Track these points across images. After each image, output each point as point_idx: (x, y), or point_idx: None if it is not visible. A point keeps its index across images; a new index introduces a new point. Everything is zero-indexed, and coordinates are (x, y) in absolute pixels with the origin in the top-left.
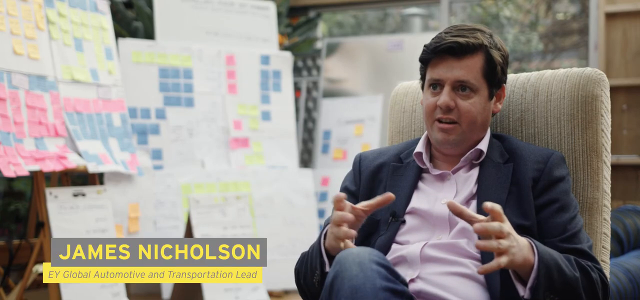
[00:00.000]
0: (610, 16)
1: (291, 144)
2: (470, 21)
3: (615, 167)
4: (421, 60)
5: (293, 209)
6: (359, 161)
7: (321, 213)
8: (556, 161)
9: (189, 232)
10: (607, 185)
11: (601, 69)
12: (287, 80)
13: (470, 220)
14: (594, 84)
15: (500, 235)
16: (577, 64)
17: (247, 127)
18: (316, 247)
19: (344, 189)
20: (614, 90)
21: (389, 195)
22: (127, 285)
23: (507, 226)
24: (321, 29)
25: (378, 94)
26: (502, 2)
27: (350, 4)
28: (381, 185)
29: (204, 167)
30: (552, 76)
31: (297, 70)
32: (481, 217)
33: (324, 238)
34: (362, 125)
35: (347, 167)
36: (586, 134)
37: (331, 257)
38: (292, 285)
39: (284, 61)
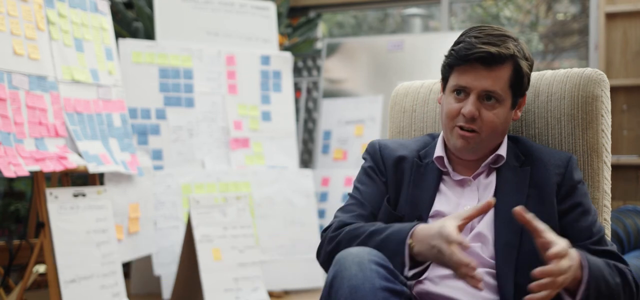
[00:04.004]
0: (611, 16)
1: (291, 144)
2: (470, 21)
3: (615, 168)
4: (448, 64)
5: (293, 209)
6: (380, 149)
7: (321, 213)
8: (574, 164)
9: (189, 233)
10: (607, 185)
11: (601, 69)
12: (288, 81)
13: (535, 232)
14: (594, 84)
15: (562, 274)
16: (577, 64)
17: (247, 128)
18: (394, 241)
19: (370, 167)
20: (614, 90)
21: (491, 201)
22: (127, 285)
23: (568, 260)
24: (321, 29)
25: (378, 95)
26: (502, 2)
27: (350, 4)
28: (405, 180)
29: (204, 168)
30: (552, 76)
31: (297, 71)
32: (550, 236)
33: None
34: (362, 125)
35: (347, 168)
36: (587, 134)
37: (415, 262)
38: (292, 285)
39: (284, 61)
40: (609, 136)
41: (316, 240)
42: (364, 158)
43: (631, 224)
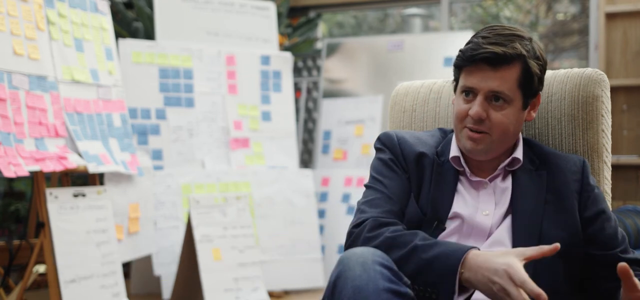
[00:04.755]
0: (611, 16)
1: (291, 144)
2: (470, 21)
3: (615, 168)
4: (456, 65)
5: (293, 209)
6: (399, 142)
7: (321, 213)
8: (588, 169)
9: (189, 233)
10: (607, 185)
11: (601, 69)
12: (288, 81)
13: (633, 288)
14: (594, 84)
15: None
16: (577, 64)
17: (247, 128)
18: (443, 266)
19: (389, 160)
20: (614, 90)
21: (557, 246)
22: (127, 285)
23: None
24: (321, 29)
25: (378, 94)
26: (502, 2)
27: (350, 4)
28: (426, 178)
29: (204, 168)
30: (552, 77)
31: (297, 71)
32: None
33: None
34: (362, 125)
35: (347, 168)
36: (587, 134)
37: (462, 288)
38: (292, 285)
39: (284, 61)
40: (609, 136)
41: (316, 240)
42: (378, 148)
43: (631, 224)
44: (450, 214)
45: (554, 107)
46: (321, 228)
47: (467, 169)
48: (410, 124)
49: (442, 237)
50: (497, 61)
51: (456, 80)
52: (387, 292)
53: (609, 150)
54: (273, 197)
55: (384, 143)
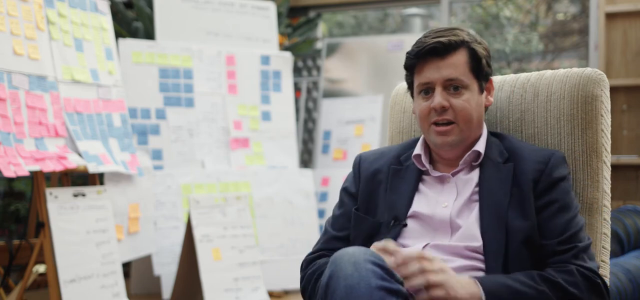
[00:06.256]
0: (610, 16)
1: (291, 144)
2: (470, 21)
3: (615, 167)
4: (406, 67)
5: (293, 209)
6: (359, 163)
7: (321, 213)
8: (557, 161)
9: (189, 233)
10: (607, 185)
11: (601, 69)
12: (287, 81)
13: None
14: (594, 84)
15: (427, 272)
16: (577, 64)
17: (247, 128)
18: None
19: (344, 189)
20: (613, 90)
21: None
22: (127, 285)
23: (437, 263)
24: (321, 29)
25: (378, 94)
26: (502, 2)
27: (350, 4)
28: (381, 188)
29: (204, 168)
30: (552, 76)
31: (297, 71)
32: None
33: None
34: (362, 125)
35: (347, 168)
36: (586, 134)
37: None
38: (292, 285)
39: (284, 61)
40: (609, 136)
41: (316, 240)
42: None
43: (631, 224)
44: (410, 213)
45: (553, 107)
46: (321, 228)
47: (428, 166)
48: (410, 124)
49: (404, 235)
50: (444, 50)
51: (410, 85)
52: (379, 290)
53: (609, 150)
54: (273, 197)
55: (352, 167)
